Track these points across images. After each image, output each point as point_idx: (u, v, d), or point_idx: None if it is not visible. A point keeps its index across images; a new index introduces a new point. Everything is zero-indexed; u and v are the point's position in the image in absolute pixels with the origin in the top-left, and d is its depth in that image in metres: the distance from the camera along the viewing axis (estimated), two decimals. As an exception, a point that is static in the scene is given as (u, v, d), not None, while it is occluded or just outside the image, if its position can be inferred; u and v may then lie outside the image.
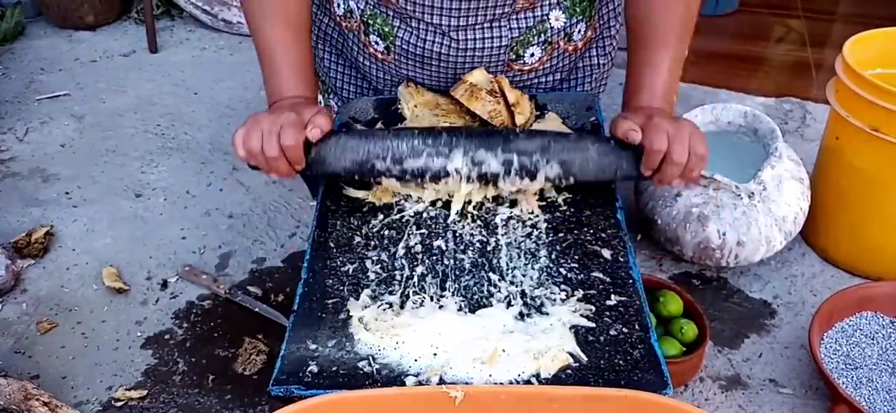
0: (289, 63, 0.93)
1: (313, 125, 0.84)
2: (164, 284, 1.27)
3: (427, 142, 0.85)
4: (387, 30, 1.00)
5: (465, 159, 0.85)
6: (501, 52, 0.99)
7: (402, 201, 0.90)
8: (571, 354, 0.72)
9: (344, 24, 1.06)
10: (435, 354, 0.72)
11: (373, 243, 0.85)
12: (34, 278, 1.28)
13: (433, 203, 0.90)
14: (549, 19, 0.99)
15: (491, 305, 0.78)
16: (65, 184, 1.53)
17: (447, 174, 0.85)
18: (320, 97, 1.20)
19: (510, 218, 0.88)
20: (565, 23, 1.00)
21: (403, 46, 1.00)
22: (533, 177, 0.85)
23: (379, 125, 1.01)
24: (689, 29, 0.95)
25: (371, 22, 1.01)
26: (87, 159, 1.61)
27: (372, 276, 0.81)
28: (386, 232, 0.87)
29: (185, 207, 1.46)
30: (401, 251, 0.84)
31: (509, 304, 0.78)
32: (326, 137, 0.85)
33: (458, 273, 0.81)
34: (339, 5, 1.05)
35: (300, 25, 0.95)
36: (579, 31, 1.03)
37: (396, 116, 1.03)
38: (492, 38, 0.98)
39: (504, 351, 0.72)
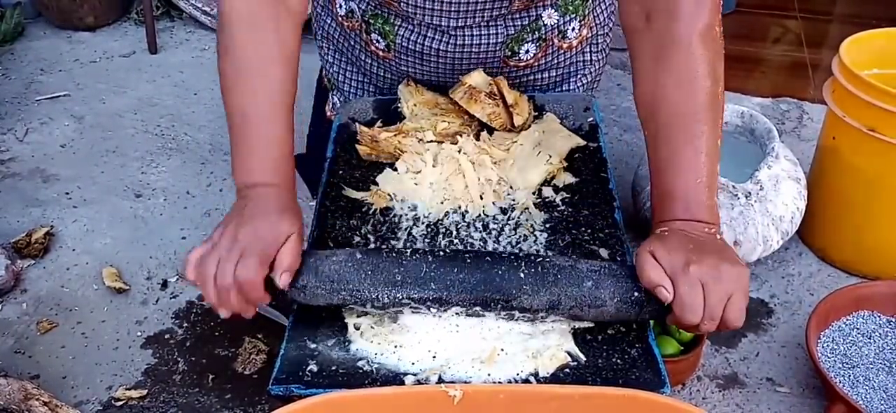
0: (264, 143, 0.78)
1: (281, 267, 0.70)
2: (164, 284, 1.27)
3: (413, 293, 0.71)
4: (387, 28, 1.01)
5: (458, 314, 0.73)
6: (497, 48, 1.01)
7: (400, 204, 0.90)
8: (569, 353, 0.73)
9: (346, 24, 1.07)
10: (434, 357, 0.72)
11: (372, 243, 0.85)
12: (34, 278, 1.28)
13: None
14: (542, 17, 1.00)
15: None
16: (65, 184, 1.53)
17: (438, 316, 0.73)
18: (331, 97, 1.21)
19: (508, 217, 0.88)
20: (558, 20, 1.01)
21: (403, 44, 1.01)
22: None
23: (378, 124, 1.01)
24: (720, 106, 0.76)
25: (372, 22, 1.02)
26: (87, 160, 1.61)
27: None
28: (385, 231, 0.87)
29: (185, 208, 1.46)
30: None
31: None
32: (295, 277, 0.72)
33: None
34: (340, 6, 1.06)
35: (282, 102, 0.80)
36: (574, 29, 1.04)
37: (396, 115, 1.03)
38: (488, 35, 0.99)
39: (502, 351, 0.73)
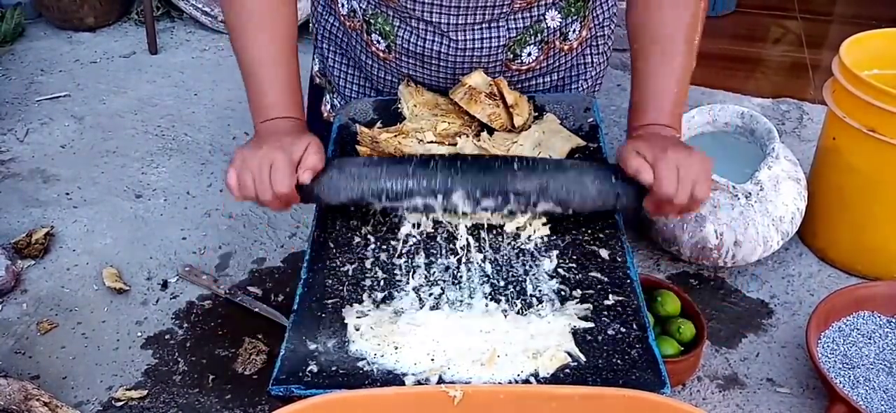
0: (276, 80, 0.88)
1: (304, 167, 0.81)
2: (165, 285, 1.27)
3: (422, 183, 0.83)
4: (387, 29, 1.01)
5: (461, 199, 0.83)
6: (499, 51, 1.00)
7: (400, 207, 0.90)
8: (570, 354, 0.73)
9: (348, 23, 1.07)
10: (432, 359, 0.72)
11: (372, 243, 0.85)
12: (34, 279, 1.28)
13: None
14: (545, 19, 1.00)
15: (489, 306, 0.78)
16: (65, 185, 1.53)
17: (445, 209, 0.85)
18: (326, 97, 1.21)
19: (509, 217, 0.88)
20: (561, 22, 1.01)
21: (404, 45, 1.01)
22: (529, 211, 0.86)
23: (378, 125, 1.01)
24: (695, 35, 0.94)
25: (372, 21, 1.02)
26: (87, 160, 1.61)
27: (369, 281, 0.81)
28: (385, 232, 0.87)
29: (185, 208, 1.46)
30: (400, 250, 0.84)
31: (508, 305, 0.78)
32: (320, 174, 0.83)
33: (456, 272, 0.82)
34: (343, 5, 1.06)
35: (287, 40, 0.90)
36: (574, 31, 1.04)
37: (396, 116, 1.03)
38: (490, 37, 0.99)
39: (505, 354, 0.72)
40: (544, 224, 0.87)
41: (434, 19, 0.97)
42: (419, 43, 1.00)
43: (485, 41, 0.99)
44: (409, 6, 0.97)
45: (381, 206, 0.84)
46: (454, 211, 0.84)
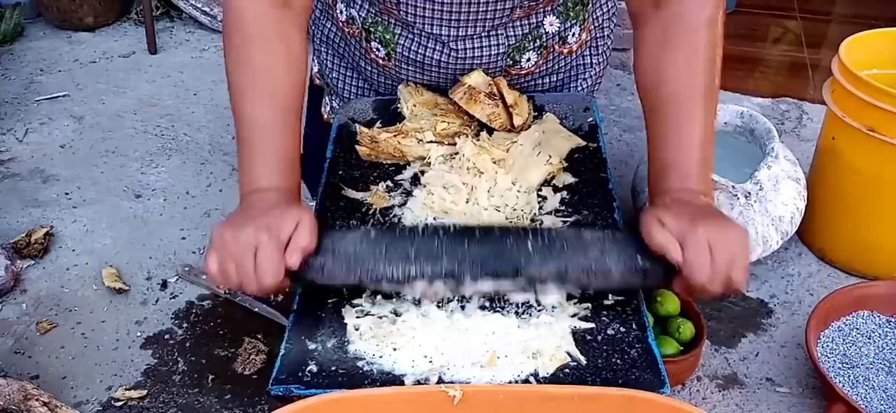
0: (271, 149, 0.79)
1: (293, 248, 0.70)
2: (164, 284, 1.27)
3: (425, 268, 0.72)
4: (388, 37, 1.01)
5: (470, 285, 0.74)
6: (499, 58, 1.00)
7: (399, 207, 0.90)
8: (569, 354, 0.73)
9: (346, 29, 1.07)
10: (431, 361, 0.72)
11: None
12: (34, 279, 1.28)
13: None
14: (543, 25, 1.00)
15: (488, 307, 0.78)
16: (64, 184, 1.53)
17: (452, 292, 0.75)
18: (326, 99, 1.21)
19: (507, 218, 0.88)
20: (559, 27, 1.01)
21: (404, 53, 1.01)
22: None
23: (378, 125, 1.01)
24: (717, 89, 0.81)
25: (372, 30, 1.01)
26: (86, 160, 1.61)
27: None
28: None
29: (184, 208, 1.46)
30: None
31: (507, 305, 0.78)
32: (311, 256, 0.73)
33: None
34: (341, 12, 1.06)
35: (289, 107, 0.82)
36: (574, 35, 1.04)
37: (396, 116, 1.03)
38: (489, 45, 0.99)
39: (505, 356, 0.72)
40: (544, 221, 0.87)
41: (435, 31, 0.97)
42: (419, 51, 1.00)
43: (484, 49, 0.99)
44: (409, 19, 0.97)
45: (381, 289, 0.76)
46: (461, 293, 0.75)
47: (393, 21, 0.99)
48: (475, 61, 1.00)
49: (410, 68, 1.02)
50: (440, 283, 0.73)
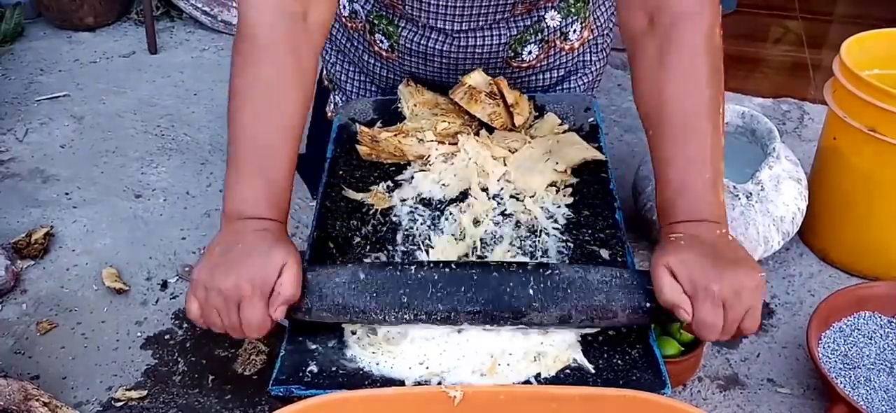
0: (262, 174, 0.73)
1: (277, 301, 0.68)
2: (164, 285, 1.27)
3: (420, 314, 0.70)
4: (391, 30, 1.01)
5: (469, 329, 0.72)
6: (500, 49, 1.01)
7: (400, 206, 0.90)
8: (576, 361, 0.72)
9: (349, 24, 1.08)
10: (427, 368, 0.72)
11: (372, 244, 0.85)
12: (34, 279, 1.28)
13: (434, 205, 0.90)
14: (545, 19, 1.01)
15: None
16: (64, 185, 1.53)
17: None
18: (331, 97, 1.21)
19: (509, 219, 0.88)
20: (560, 22, 1.02)
21: (407, 45, 1.01)
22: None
23: (378, 125, 1.01)
24: (722, 103, 0.76)
25: (376, 23, 1.02)
26: (86, 160, 1.61)
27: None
28: (385, 232, 0.87)
29: (184, 208, 1.46)
30: (400, 252, 0.84)
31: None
32: (297, 303, 0.71)
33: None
34: (343, 7, 1.07)
35: (289, 127, 0.75)
36: (575, 31, 1.04)
37: (396, 115, 1.03)
38: (491, 35, 1.00)
39: (507, 364, 0.71)
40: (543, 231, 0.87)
41: (438, 25, 0.98)
42: (422, 42, 1.01)
43: (487, 39, 1.00)
44: (413, 13, 0.97)
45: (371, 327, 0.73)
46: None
47: (396, 15, 1.00)
48: (476, 51, 1.00)
49: (413, 59, 1.03)
50: (435, 326, 0.71)
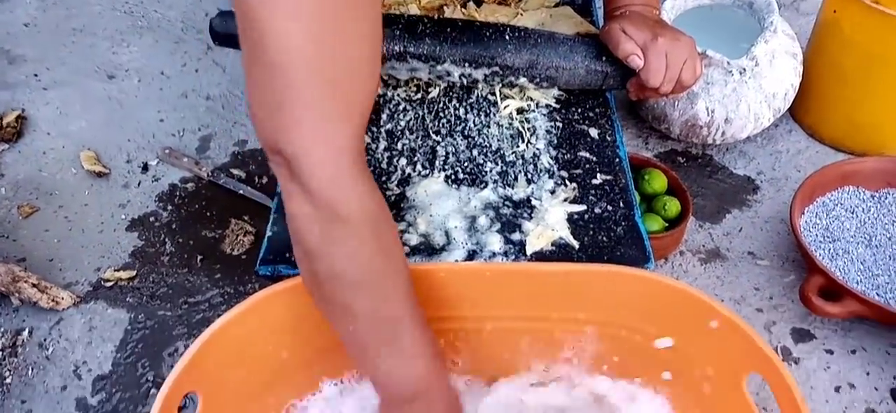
0: (421, 343, 0.63)
1: None
2: (145, 167, 1.25)
3: (409, 47, 0.80)
4: None
5: (449, 67, 0.82)
6: None
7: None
8: (562, 238, 0.72)
9: None
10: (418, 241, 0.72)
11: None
12: (10, 163, 1.25)
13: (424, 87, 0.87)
14: None
15: (483, 187, 0.77)
16: (32, 65, 1.46)
17: (432, 74, 0.83)
18: None
19: (499, 97, 0.85)
20: None
21: None
22: (516, 85, 0.86)
23: None
24: None
25: None
26: (53, 39, 1.53)
27: None
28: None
29: (160, 89, 1.41)
30: (398, 138, 0.82)
31: (505, 203, 0.77)
32: None
33: (447, 153, 0.80)
34: None
35: (402, 261, 0.63)
36: None
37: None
38: None
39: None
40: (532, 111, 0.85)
41: None
42: None
43: None
44: None
45: None
46: (441, 77, 0.82)
47: None
48: None
49: None
50: (421, 63, 0.80)
